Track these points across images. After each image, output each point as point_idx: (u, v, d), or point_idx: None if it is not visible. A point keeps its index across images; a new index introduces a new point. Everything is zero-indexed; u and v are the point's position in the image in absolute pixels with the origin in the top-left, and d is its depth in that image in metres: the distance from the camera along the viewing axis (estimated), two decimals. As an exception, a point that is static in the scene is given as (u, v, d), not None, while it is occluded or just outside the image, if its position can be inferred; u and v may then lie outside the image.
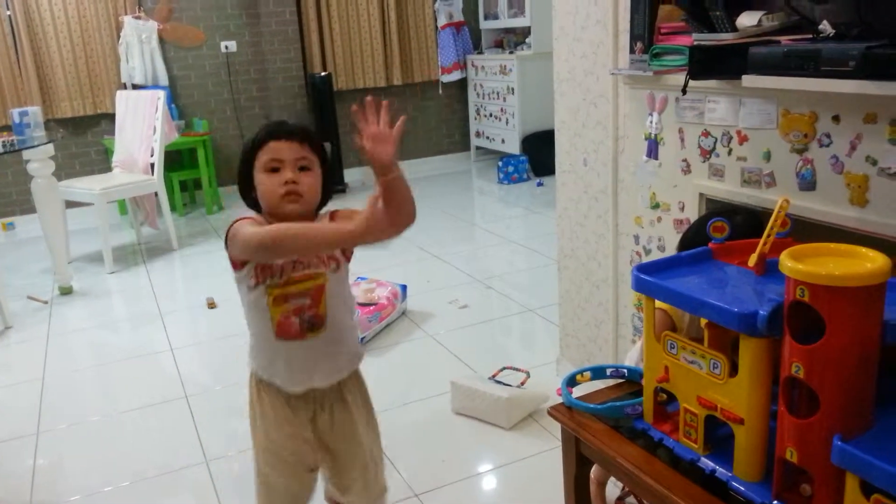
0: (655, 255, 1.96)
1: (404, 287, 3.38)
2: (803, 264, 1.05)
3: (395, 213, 1.32)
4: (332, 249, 1.49)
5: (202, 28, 5.89)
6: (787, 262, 1.06)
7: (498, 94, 6.46)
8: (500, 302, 3.52)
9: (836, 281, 1.00)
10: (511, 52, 6.38)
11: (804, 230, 1.39)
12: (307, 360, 1.54)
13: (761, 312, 1.11)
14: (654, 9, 1.90)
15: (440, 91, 6.87)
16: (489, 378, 2.50)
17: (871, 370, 1.06)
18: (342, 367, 1.59)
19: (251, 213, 1.50)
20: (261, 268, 1.47)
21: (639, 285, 1.33)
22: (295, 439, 1.55)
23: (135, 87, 5.56)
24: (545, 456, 2.20)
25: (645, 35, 1.92)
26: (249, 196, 1.53)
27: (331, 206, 1.58)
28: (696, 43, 1.67)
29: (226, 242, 1.46)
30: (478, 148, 7.04)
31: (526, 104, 6.22)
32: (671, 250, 1.91)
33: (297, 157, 1.47)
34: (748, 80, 1.44)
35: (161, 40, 5.71)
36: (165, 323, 3.53)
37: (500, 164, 6.08)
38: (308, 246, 1.39)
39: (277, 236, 1.34)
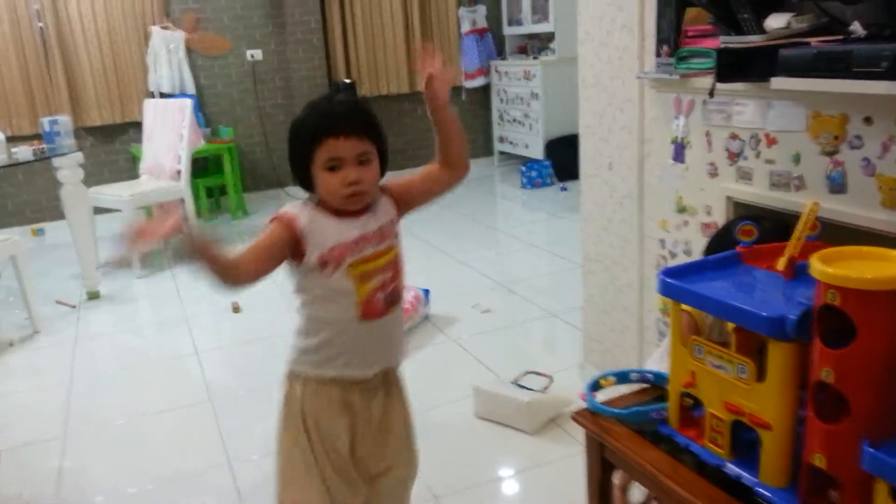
0: (682, 260, 1.94)
1: (427, 291, 3.38)
2: (834, 268, 1.03)
3: (456, 155, 1.51)
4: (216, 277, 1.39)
5: (229, 37, 5.96)
6: (818, 266, 1.04)
7: (521, 99, 6.45)
8: (523, 306, 3.50)
9: (869, 285, 0.98)
10: (535, 58, 6.37)
11: (834, 233, 1.36)
12: (384, 338, 1.53)
13: (790, 317, 1.09)
14: (681, 12, 1.89)
15: (463, 97, 6.87)
16: (512, 382, 2.49)
17: (902, 375, 1.04)
18: (404, 342, 1.61)
19: (287, 210, 1.45)
20: (335, 249, 1.43)
21: (665, 289, 1.32)
22: (364, 442, 1.55)
23: (162, 95, 5.63)
24: (568, 461, 2.18)
25: (671, 38, 1.91)
26: (306, 181, 1.47)
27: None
28: (723, 45, 1.66)
29: None
30: (501, 153, 7.03)
31: (549, 109, 6.20)
32: (698, 254, 1.90)
33: (357, 153, 1.42)
34: (777, 83, 1.42)
35: (188, 50, 5.79)
36: (191, 327, 3.56)
37: (524, 168, 6.07)
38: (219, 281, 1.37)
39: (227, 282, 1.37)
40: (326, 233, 1.44)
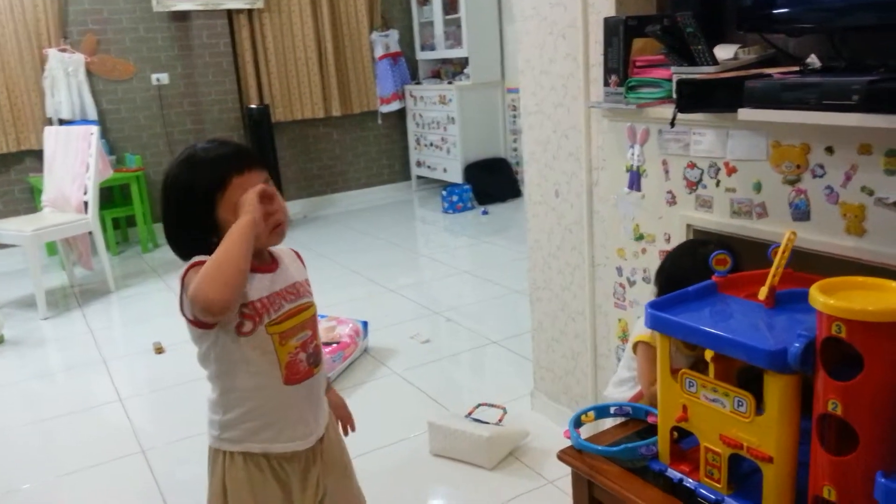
0: (641, 287, 1.95)
1: (365, 323, 3.29)
2: (836, 299, 1.04)
3: None
4: (251, 241, 1.26)
5: (132, 60, 5.69)
6: (820, 298, 1.05)
7: (438, 123, 6.47)
8: (461, 335, 3.47)
9: (874, 317, 1.00)
10: (450, 83, 6.41)
11: (798, 260, 1.39)
12: (310, 403, 1.43)
13: (793, 349, 1.10)
14: (629, 43, 1.91)
15: (380, 121, 6.83)
16: (466, 416, 2.44)
17: (906, 404, 1.06)
18: (325, 401, 1.51)
19: (199, 258, 1.28)
20: (249, 308, 1.32)
21: (654, 323, 1.31)
22: None
23: (61, 122, 5.30)
24: (532, 496, 2.15)
25: (619, 68, 1.93)
26: (194, 242, 1.33)
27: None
28: (679, 76, 1.68)
29: (181, 301, 1.29)
30: (419, 177, 7.02)
31: (467, 133, 6.25)
32: (657, 281, 1.91)
33: (267, 183, 1.34)
34: (745, 114, 1.45)
35: (89, 73, 5.49)
36: (110, 371, 3.33)
37: (445, 193, 6.07)
38: (240, 254, 1.23)
39: (213, 275, 1.19)
40: None
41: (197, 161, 1.34)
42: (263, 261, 1.39)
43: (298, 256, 1.53)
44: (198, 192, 1.31)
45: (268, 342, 1.34)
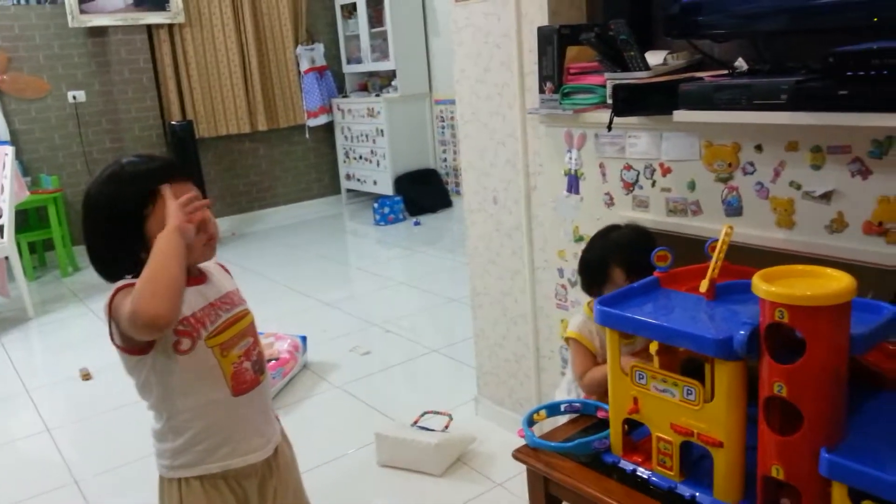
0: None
1: (304, 338, 3.24)
2: (779, 287, 1.09)
3: None
4: (182, 248, 1.23)
5: (46, 78, 5.47)
6: (763, 286, 1.10)
7: (367, 136, 6.46)
8: (400, 345, 3.46)
9: (815, 301, 1.05)
10: (377, 95, 6.41)
11: (732, 254, 1.45)
12: (262, 412, 1.41)
13: (738, 337, 1.15)
14: (563, 51, 1.97)
15: (307, 135, 6.77)
16: (412, 425, 2.43)
17: (844, 383, 1.12)
18: (273, 409, 1.49)
19: (124, 282, 1.25)
20: (185, 324, 1.29)
21: (603, 318, 1.34)
22: None
23: (-30, 142, 5.05)
24: (482, 499, 2.16)
25: (554, 75, 1.98)
26: (122, 261, 1.29)
27: None
28: (613, 82, 1.74)
29: (111, 331, 1.25)
30: (349, 191, 6.98)
31: (396, 145, 6.27)
32: (597, 281, 1.96)
33: (197, 196, 1.31)
34: (680, 116, 1.51)
35: (0, 92, 5.25)
36: (35, 401, 3.17)
37: (376, 205, 6.06)
38: (173, 262, 1.20)
39: (150, 288, 1.15)
40: None
41: (124, 176, 1.30)
42: (192, 273, 1.35)
43: (224, 269, 1.50)
44: (126, 206, 1.27)
45: (209, 356, 1.32)
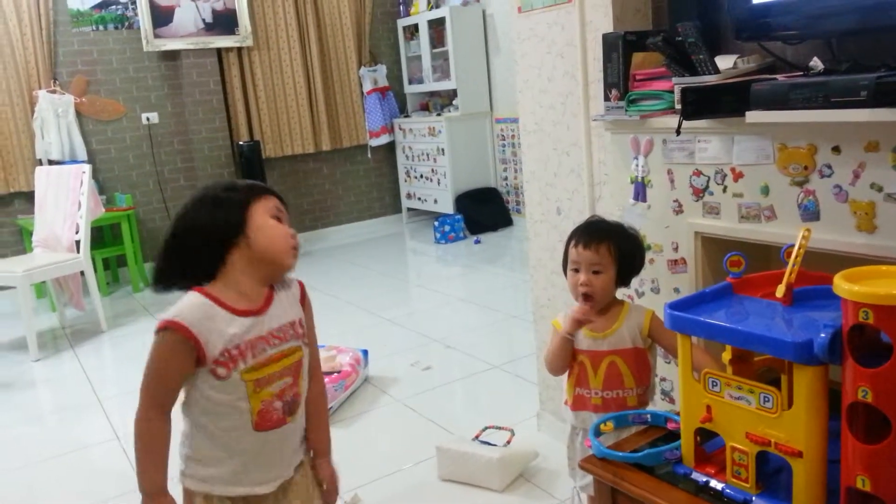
0: (650, 297, 1.95)
1: (366, 352, 3.26)
2: (863, 286, 1.04)
3: None
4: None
5: (121, 101, 5.71)
6: (846, 286, 1.05)
7: (428, 155, 6.51)
8: (461, 361, 3.44)
9: (903, 301, 1.00)
10: (439, 114, 6.46)
11: (810, 259, 1.40)
12: (281, 449, 1.41)
13: (819, 339, 1.09)
14: (628, 57, 1.94)
15: (369, 155, 6.87)
16: (473, 439, 2.40)
17: (936, 389, 1.05)
18: (301, 444, 1.48)
19: (167, 318, 1.30)
20: (225, 355, 1.30)
21: (675, 323, 1.30)
22: None
23: (51, 162, 5.29)
24: (546, 516, 2.12)
25: (620, 82, 1.96)
26: (186, 276, 1.36)
27: None
28: (681, 85, 1.70)
29: None
30: (409, 209, 7.03)
31: (456, 164, 6.30)
32: (666, 291, 1.91)
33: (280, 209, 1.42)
34: (753, 117, 1.46)
35: (78, 114, 5.49)
36: (106, 410, 3.26)
37: (437, 223, 6.08)
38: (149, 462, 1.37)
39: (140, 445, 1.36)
40: (223, 330, 1.30)
41: (216, 187, 1.39)
42: (252, 301, 1.36)
43: (302, 288, 1.50)
44: (229, 201, 1.35)
45: (240, 388, 1.33)
